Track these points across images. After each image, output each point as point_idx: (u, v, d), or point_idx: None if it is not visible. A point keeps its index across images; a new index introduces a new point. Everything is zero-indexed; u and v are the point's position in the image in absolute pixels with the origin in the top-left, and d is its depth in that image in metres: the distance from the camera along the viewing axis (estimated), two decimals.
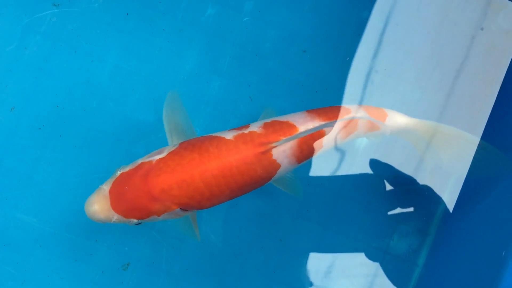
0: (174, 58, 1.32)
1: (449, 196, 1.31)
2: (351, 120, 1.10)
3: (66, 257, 1.25)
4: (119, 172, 1.02)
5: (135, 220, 1.02)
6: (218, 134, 1.05)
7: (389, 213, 1.32)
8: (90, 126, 1.28)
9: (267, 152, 1.01)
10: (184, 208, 1.03)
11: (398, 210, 1.32)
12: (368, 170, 1.31)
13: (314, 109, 1.12)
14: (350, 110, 1.12)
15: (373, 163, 1.31)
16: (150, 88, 1.31)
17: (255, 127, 1.05)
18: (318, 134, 1.06)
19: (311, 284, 1.28)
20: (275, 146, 1.01)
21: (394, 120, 1.16)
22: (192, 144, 1.03)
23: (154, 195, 0.98)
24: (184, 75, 1.32)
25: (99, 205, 1.00)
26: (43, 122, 1.27)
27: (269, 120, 1.08)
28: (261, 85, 1.33)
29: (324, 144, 1.09)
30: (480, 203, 1.21)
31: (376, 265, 1.31)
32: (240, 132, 1.04)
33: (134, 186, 0.99)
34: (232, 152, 1.00)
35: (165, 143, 1.27)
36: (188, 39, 1.32)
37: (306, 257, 1.30)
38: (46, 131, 1.27)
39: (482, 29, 1.34)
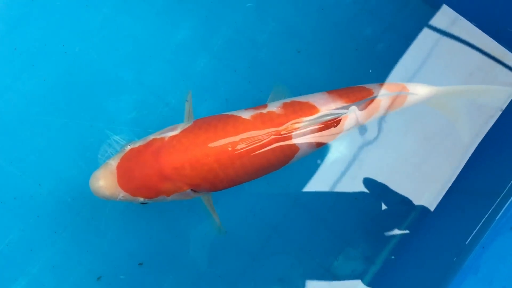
0: (168, 25, 1.30)
1: (407, 229, 1.28)
2: (372, 100, 1.04)
3: None
4: (128, 147, 0.97)
5: (142, 199, 0.96)
6: (234, 113, 1.00)
7: (340, 233, 1.29)
8: (66, 70, 1.26)
9: (287, 134, 0.95)
10: (195, 190, 0.97)
11: (350, 232, 1.29)
12: (329, 187, 1.28)
13: (335, 90, 1.06)
14: (371, 90, 1.07)
15: (337, 179, 1.28)
16: (136, 48, 1.29)
17: (274, 107, 0.99)
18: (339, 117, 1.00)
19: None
20: (296, 128, 0.94)
21: (416, 92, 1.11)
22: (208, 123, 0.98)
23: (165, 174, 0.92)
24: (174, 44, 1.30)
25: (105, 181, 0.94)
26: (20, 50, 1.25)
27: (288, 101, 1.02)
28: (247, 74, 1.30)
29: (345, 127, 1.02)
30: (430, 243, 1.18)
31: (314, 280, 1.27)
32: (258, 111, 0.99)
33: (144, 163, 0.93)
34: (250, 133, 0.94)
35: (137, 101, 1.26)
36: (186, 10, 1.30)
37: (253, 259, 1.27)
38: (22, 62, 1.25)
39: None
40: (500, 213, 1.00)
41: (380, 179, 1.28)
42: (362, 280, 1.27)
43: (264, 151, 0.94)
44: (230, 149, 0.92)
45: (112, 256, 1.22)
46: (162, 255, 1.23)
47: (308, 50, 1.32)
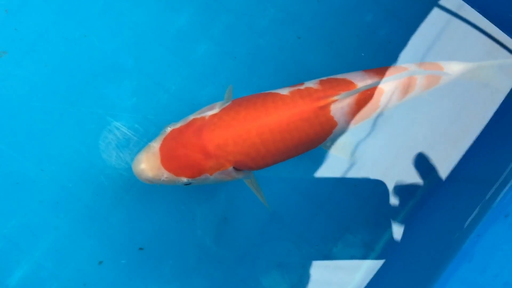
0: (167, 11, 1.30)
1: (406, 216, 1.28)
2: (409, 79, 1.05)
3: None
4: (169, 129, 0.98)
5: (185, 179, 0.96)
6: (272, 91, 1.01)
7: (339, 219, 1.29)
8: (68, 56, 1.26)
9: (326, 107, 0.96)
10: (238, 167, 0.98)
11: (349, 219, 1.30)
12: (328, 174, 1.28)
13: (372, 69, 1.07)
14: (407, 69, 1.07)
15: (337, 167, 1.28)
16: (136, 34, 1.29)
17: (311, 84, 1.01)
18: (376, 92, 1.01)
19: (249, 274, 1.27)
20: (335, 100, 0.95)
21: (452, 70, 1.11)
22: (247, 100, 0.99)
23: (209, 151, 0.93)
24: (174, 31, 1.30)
25: (148, 163, 0.94)
26: (21, 36, 1.26)
27: (324, 78, 1.04)
28: (247, 60, 1.30)
29: (381, 104, 1.03)
30: (427, 230, 1.19)
31: (313, 267, 1.28)
32: (295, 88, 1.01)
33: (187, 142, 0.94)
34: (290, 107, 0.95)
35: (137, 88, 1.26)
36: None
37: (252, 248, 1.28)
38: (23, 48, 1.26)
39: None
40: (496, 201, 1.00)
41: (379, 166, 1.28)
42: (361, 267, 1.28)
43: (303, 126, 0.96)
44: (271, 123, 0.94)
45: (113, 241, 1.24)
46: (162, 240, 1.25)
47: (308, 36, 1.31)
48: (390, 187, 1.27)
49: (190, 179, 0.96)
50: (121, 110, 1.26)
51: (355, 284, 1.27)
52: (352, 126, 1.04)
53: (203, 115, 0.98)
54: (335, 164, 1.28)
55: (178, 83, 1.29)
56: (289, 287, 1.27)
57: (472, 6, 1.29)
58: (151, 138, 1.25)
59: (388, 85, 1.02)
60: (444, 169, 1.25)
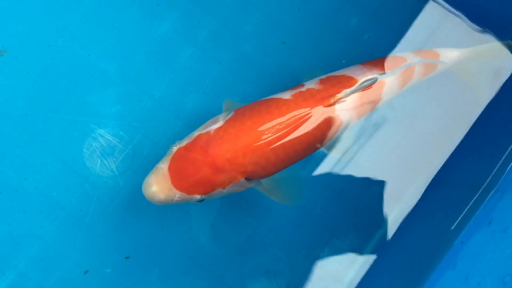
0: (151, 17, 1.28)
1: (392, 221, 1.28)
2: (408, 68, 1.05)
3: None
4: (175, 148, 0.97)
5: (199, 196, 0.96)
6: (273, 96, 1.02)
7: (326, 225, 1.29)
8: (50, 63, 1.25)
9: (331, 107, 0.97)
10: (250, 177, 0.98)
11: (336, 224, 1.30)
12: (315, 179, 1.28)
13: (369, 61, 1.08)
14: (405, 58, 1.08)
15: (322, 171, 1.28)
16: (120, 41, 1.27)
17: (312, 85, 1.02)
18: (377, 85, 1.01)
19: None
20: (339, 99, 0.96)
21: (447, 57, 1.12)
22: (250, 109, 0.99)
23: (219, 165, 0.93)
24: (157, 36, 1.29)
25: (158, 185, 0.93)
26: (2, 43, 1.24)
27: (324, 77, 1.04)
28: (232, 66, 1.29)
29: (383, 96, 1.04)
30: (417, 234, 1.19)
31: (301, 272, 1.28)
32: (297, 91, 1.01)
33: (195, 159, 0.93)
34: (294, 111, 0.96)
35: (121, 94, 1.24)
36: (169, 2, 1.29)
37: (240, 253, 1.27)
38: (4, 56, 1.24)
39: None
40: (480, 208, 1.00)
41: (366, 171, 1.28)
42: (348, 272, 1.28)
43: (310, 128, 0.96)
44: (278, 129, 0.94)
45: (99, 250, 1.23)
46: (148, 248, 1.24)
47: (293, 41, 1.31)
48: (376, 192, 1.27)
49: (203, 196, 0.96)
50: (105, 117, 1.25)
51: None
52: (357, 120, 1.05)
53: (207, 129, 0.97)
54: (321, 169, 1.28)
55: (162, 89, 1.28)
56: None
57: (459, 11, 1.29)
58: (136, 145, 1.25)
59: (389, 76, 1.03)
60: (428, 175, 1.25)
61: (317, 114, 0.96)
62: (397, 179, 1.27)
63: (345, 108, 0.99)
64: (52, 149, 1.23)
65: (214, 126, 0.97)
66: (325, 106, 0.96)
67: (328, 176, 1.28)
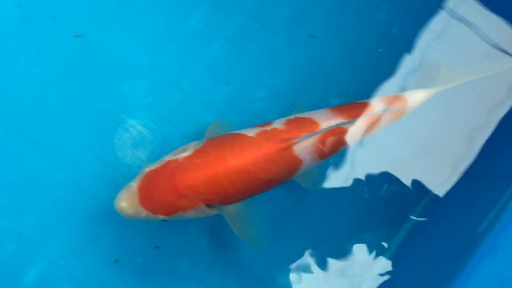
0: (181, 10, 1.30)
1: (420, 212, 1.28)
2: (373, 116, 1.10)
3: None
4: (146, 170, 1.05)
5: (162, 217, 1.04)
6: (241, 131, 1.07)
7: (354, 217, 1.29)
8: (82, 54, 1.26)
9: (289, 148, 1.02)
10: (210, 204, 1.05)
11: (363, 217, 1.30)
12: (342, 172, 1.28)
13: (337, 106, 1.13)
14: (373, 106, 1.12)
15: (350, 165, 1.28)
16: (151, 33, 1.29)
17: (278, 124, 1.07)
18: (339, 131, 1.07)
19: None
20: (296, 143, 1.02)
21: (415, 100, 1.14)
22: (216, 142, 1.05)
23: (181, 191, 1.00)
24: (188, 29, 1.30)
25: (128, 202, 1.03)
26: (35, 34, 1.26)
27: (292, 117, 1.10)
28: (261, 58, 1.30)
29: (347, 141, 1.10)
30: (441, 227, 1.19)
31: (329, 265, 1.28)
32: (262, 129, 1.06)
33: (162, 183, 1.02)
34: (254, 149, 1.02)
35: (152, 86, 1.25)
36: None
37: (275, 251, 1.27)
38: (37, 47, 1.26)
39: None
40: None
41: (395, 163, 1.28)
42: (376, 264, 1.28)
43: (269, 166, 1.02)
44: (236, 165, 1.01)
45: (129, 239, 1.24)
46: (178, 239, 1.25)
47: (322, 34, 1.31)
48: (406, 184, 1.28)
49: (166, 217, 1.04)
50: (136, 108, 1.26)
51: (368, 283, 1.27)
52: (321, 161, 1.10)
53: (177, 157, 1.04)
54: (349, 162, 1.28)
55: (192, 81, 1.29)
56: (304, 286, 1.27)
57: (485, 4, 1.30)
58: (166, 136, 1.26)
59: (351, 125, 1.08)
60: (461, 165, 1.25)
61: (276, 154, 1.02)
62: (427, 171, 1.27)
63: (305, 150, 1.04)
64: (84, 139, 1.24)
65: (184, 154, 1.04)
66: (283, 147, 1.01)
67: (356, 169, 1.28)
